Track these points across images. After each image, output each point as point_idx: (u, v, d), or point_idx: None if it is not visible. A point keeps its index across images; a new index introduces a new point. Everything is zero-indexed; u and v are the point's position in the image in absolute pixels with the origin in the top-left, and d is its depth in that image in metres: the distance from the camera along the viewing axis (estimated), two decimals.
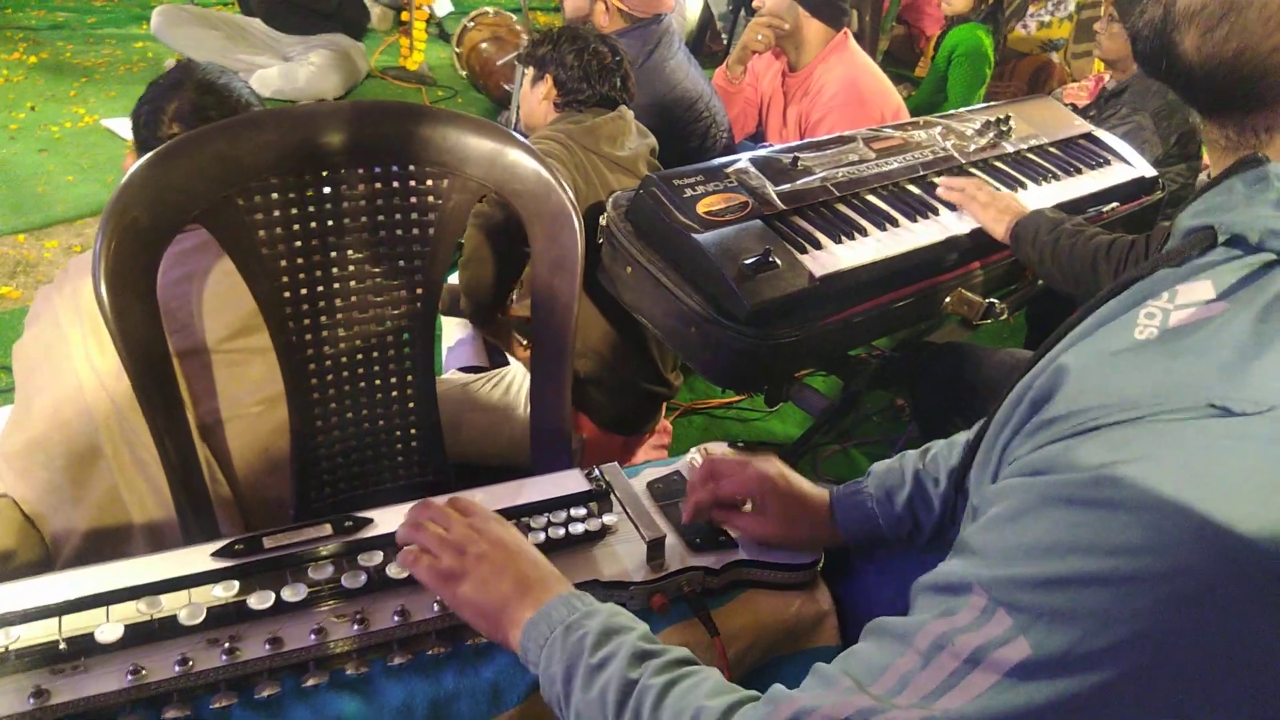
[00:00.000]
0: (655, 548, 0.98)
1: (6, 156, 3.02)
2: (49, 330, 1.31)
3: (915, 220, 1.63)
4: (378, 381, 1.21)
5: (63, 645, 0.82)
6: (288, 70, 3.55)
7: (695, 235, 1.44)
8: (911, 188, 1.71)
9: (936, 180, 1.72)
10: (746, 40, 2.65)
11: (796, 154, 1.67)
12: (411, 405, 1.23)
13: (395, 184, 1.12)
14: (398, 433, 1.24)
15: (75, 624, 0.83)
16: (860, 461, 2.12)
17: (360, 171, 1.10)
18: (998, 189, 1.72)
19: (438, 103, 3.89)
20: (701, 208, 1.49)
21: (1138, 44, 0.67)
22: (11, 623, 0.82)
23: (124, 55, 3.89)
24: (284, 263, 1.09)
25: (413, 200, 1.13)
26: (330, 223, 1.10)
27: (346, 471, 1.21)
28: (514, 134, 1.14)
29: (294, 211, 1.08)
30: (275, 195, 1.06)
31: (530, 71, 1.94)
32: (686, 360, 1.50)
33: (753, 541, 1.01)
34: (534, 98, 1.94)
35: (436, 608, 0.87)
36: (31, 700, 0.78)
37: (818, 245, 1.51)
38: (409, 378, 1.22)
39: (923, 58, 4.78)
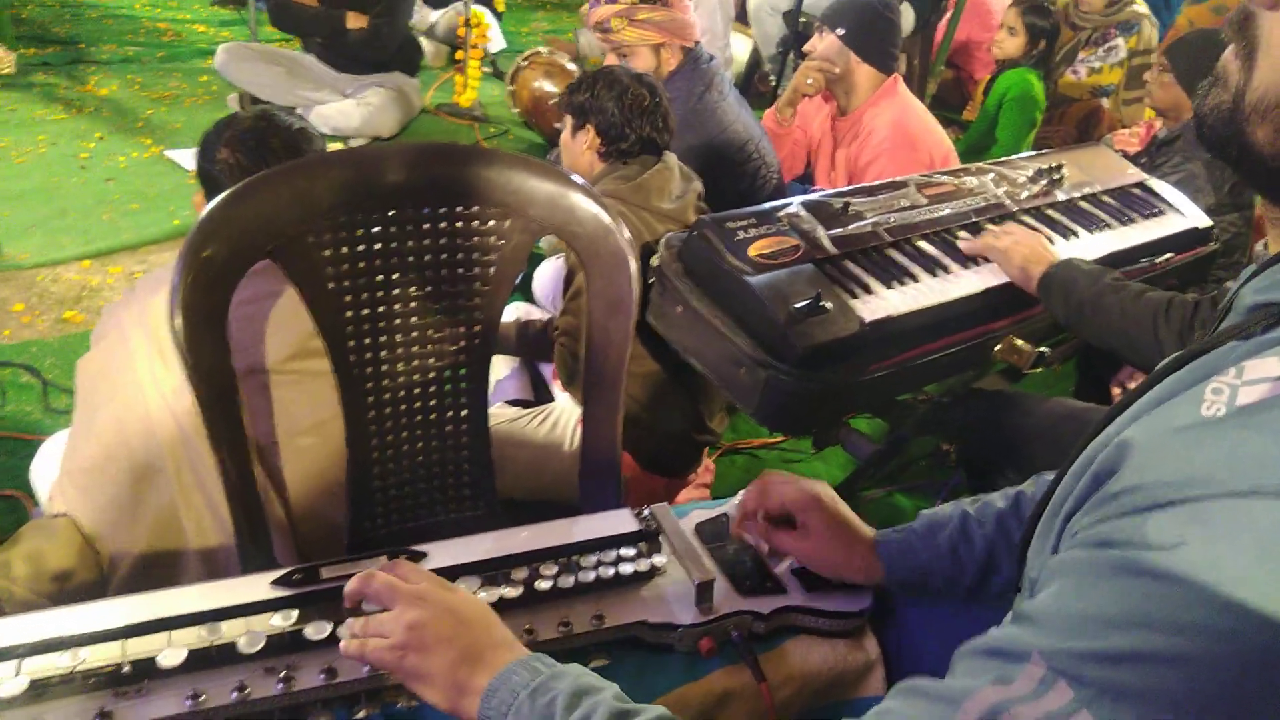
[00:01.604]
0: (704, 590, 0.98)
1: (76, 185, 3.13)
2: (115, 347, 1.35)
3: (967, 267, 1.63)
4: (433, 415, 1.23)
5: (126, 668, 0.84)
6: (345, 107, 3.64)
7: (747, 277, 1.45)
8: (963, 234, 1.71)
9: (984, 226, 1.72)
10: (797, 83, 2.68)
11: (848, 199, 1.68)
12: (465, 440, 1.25)
13: (459, 223, 1.14)
14: (450, 466, 1.26)
15: (138, 648, 0.86)
16: (905, 506, 2.10)
17: (426, 210, 1.13)
18: (1049, 238, 1.71)
19: (489, 139, 3.96)
20: (753, 250, 1.51)
21: (1204, 128, 0.66)
22: (79, 644, 0.85)
23: (189, 89, 4.01)
24: (349, 297, 1.12)
25: (474, 240, 1.16)
26: (394, 259, 1.13)
27: (399, 502, 1.23)
28: (574, 177, 1.17)
29: (361, 248, 1.11)
30: (344, 232, 1.09)
31: (570, 120, 1.95)
32: (735, 400, 1.51)
33: (793, 559, 1.02)
34: (577, 148, 1.95)
35: None
36: None
37: (869, 290, 1.52)
38: (464, 413, 1.24)
39: (971, 101, 4.78)
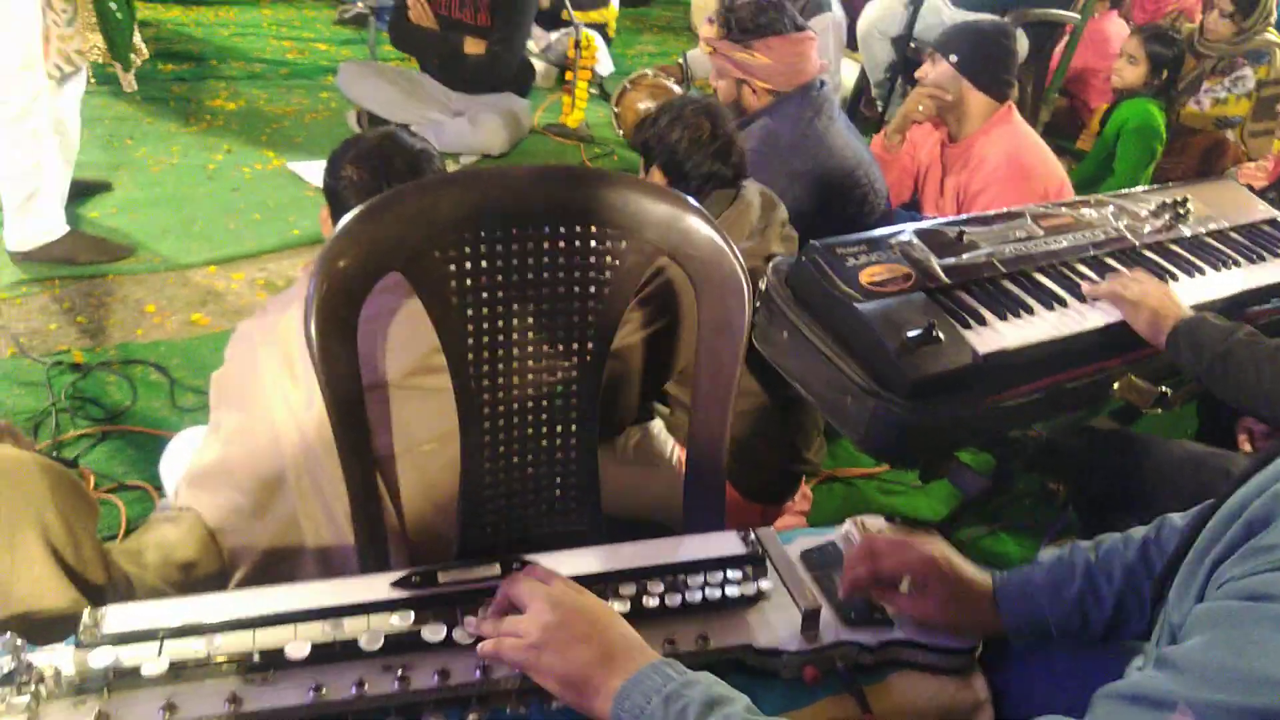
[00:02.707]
0: (810, 618, 0.98)
1: (204, 194, 3.30)
2: (246, 361, 1.42)
3: (1085, 301, 1.59)
4: (544, 429, 1.25)
5: (256, 657, 0.88)
6: (458, 125, 3.75)
7: (857, 304, 1.45)
8: (1082, 268, 1.67)
9: (1112, 266, 1.67)
10: (907, 110, 2.65)
11: (962, 228, 1.66)
12: (574, 455, 1.27)
13: (577, 243, 1.17)
14: (558, 480, 1.29)
15: (267, 638, 0.90)
16: (1008, 545, 2.04)
17: (547, 230, 1.16)
18: (1174, 274, 1.66)
19: (594, 160, 4.03)
20: (864, 277, 1.50)
21: None
22: (214, 631, 0.89)
23: (310, 105, 4.19)
24: (470, 311, 1.16)
25: (592, 260, 1.18)
26: (515, 277, 1.17)
27: (508, 514, 1.26)
28: (691, 200, 1.18)
29: (484, 265, 1.14)
30: (468, 249, 1.13)
31: (641, 158, 1.92)
32: (840, 428, 1.50)
33: (910, 622, 1.00)
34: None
35: None
36: (227, 705, 0.85)
37: (982, 322, 1.50)
38: (574, 429, 1.26)
39: (1085, 130, 4.65)
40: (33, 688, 0.82)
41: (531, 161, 3.92)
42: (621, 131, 4.04)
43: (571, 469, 1.29)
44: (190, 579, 1.43)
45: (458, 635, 0.91)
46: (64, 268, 2.72)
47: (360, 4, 4.58)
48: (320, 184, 3.12)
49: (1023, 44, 4.06)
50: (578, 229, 1.17)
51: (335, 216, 1.47)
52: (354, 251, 1.08)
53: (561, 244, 1.17)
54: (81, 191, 3.00)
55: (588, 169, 1.17)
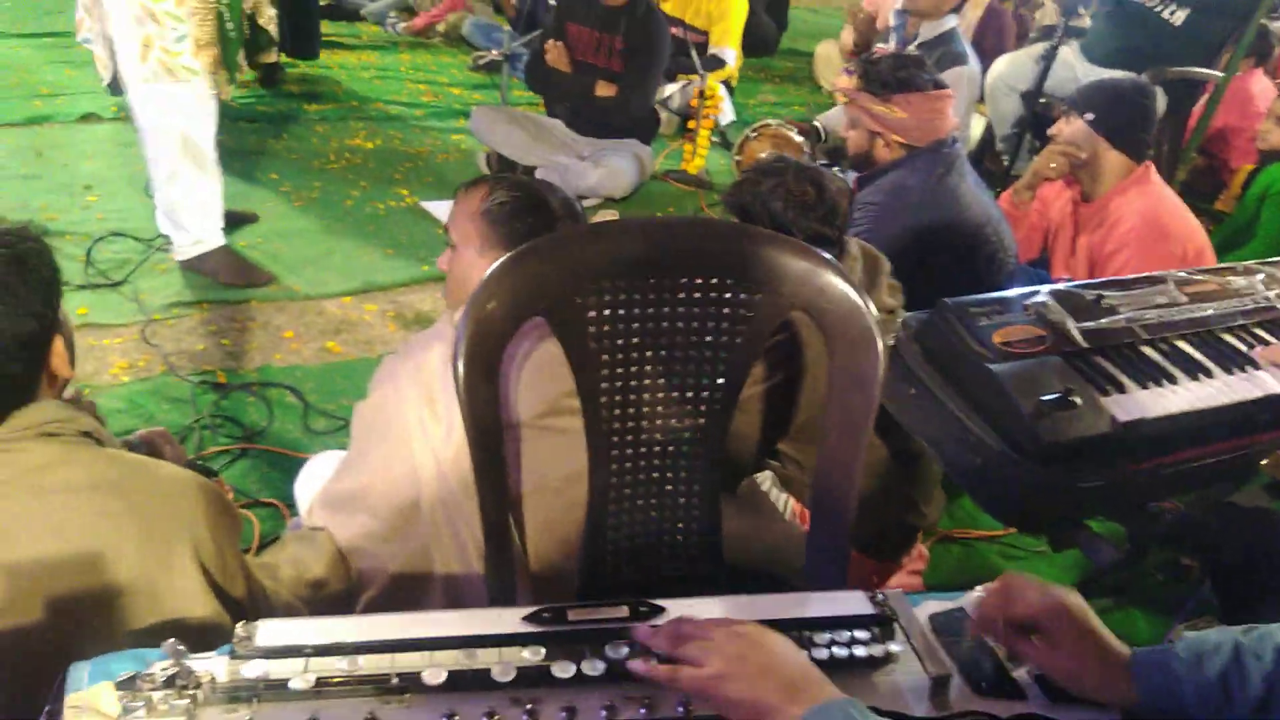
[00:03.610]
0: (940, 685, 0.96)
1: (341, 228, 3.47)
2: (389, 395, 1.49)
3: (1231, 373, 1.53)
4: (669, 475, 1.27)
5: (394, 680, 0.92)
6: (583, 169, 3.86)
7: (990, 365, 1.42)
8: (1228, 337, 1.61)
9: (1261, 336, 1.60)
10: (1038, 167, 2.61)
11: (1100, 291, 1.62)
12: (697, 503, 1.29)
13: (714, 294, 1.19)
14: (680, 525, 1.30)
15: (406, 662, 0.93)
16: (1138, 621, 1.95)
17: (683, 280, 1.18)
18: None
19: (712, 207, 4.07)
20: (998, 337, 1.47)
21: None
22: (356, 652, 0.93)
23: (442, 145, 4.38)
24: (606, 357, 1.19)
25: (726, 311, 1.21)
26: (651, 325, 1.20)
27: (631, 556, 1.28)
28: (827, 256, 1.19)
29: (623, 312, 1.18)
30: (608, 296, 1.17)
31: (735, 219, 1.88)
32: (966, 489, 1.47)
33: (1038, 672, 0.98)
34: None
35: None
36: None
37: (1121, 388, 1.45)
38: (698, 477, 1.28)
39: (1225, 192, 4.46)
40: (191, 692, 0.87)
41: (651, 207, 3.99)
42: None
43: (694, 515, 1.30)
44: (319, 596, 1.49)
45: (587, 669, 0.93)
46: (213, 290, 2.91)
47: (494, 52, 4.77)
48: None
49: (1160, 102, 3.95)
50: (714, 281, 1.19)
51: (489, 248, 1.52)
52: (502, 296, 1.12)
53: (698, 295, 1.20)
54: (231, 222, 3.20)
55: (729, 224, 1.19)
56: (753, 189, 1.80)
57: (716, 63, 4.85)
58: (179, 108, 2.79)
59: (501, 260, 1.14)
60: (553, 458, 1.38)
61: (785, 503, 1.88)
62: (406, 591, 1.44)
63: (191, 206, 2.92)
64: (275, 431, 2.37)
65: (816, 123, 4.50)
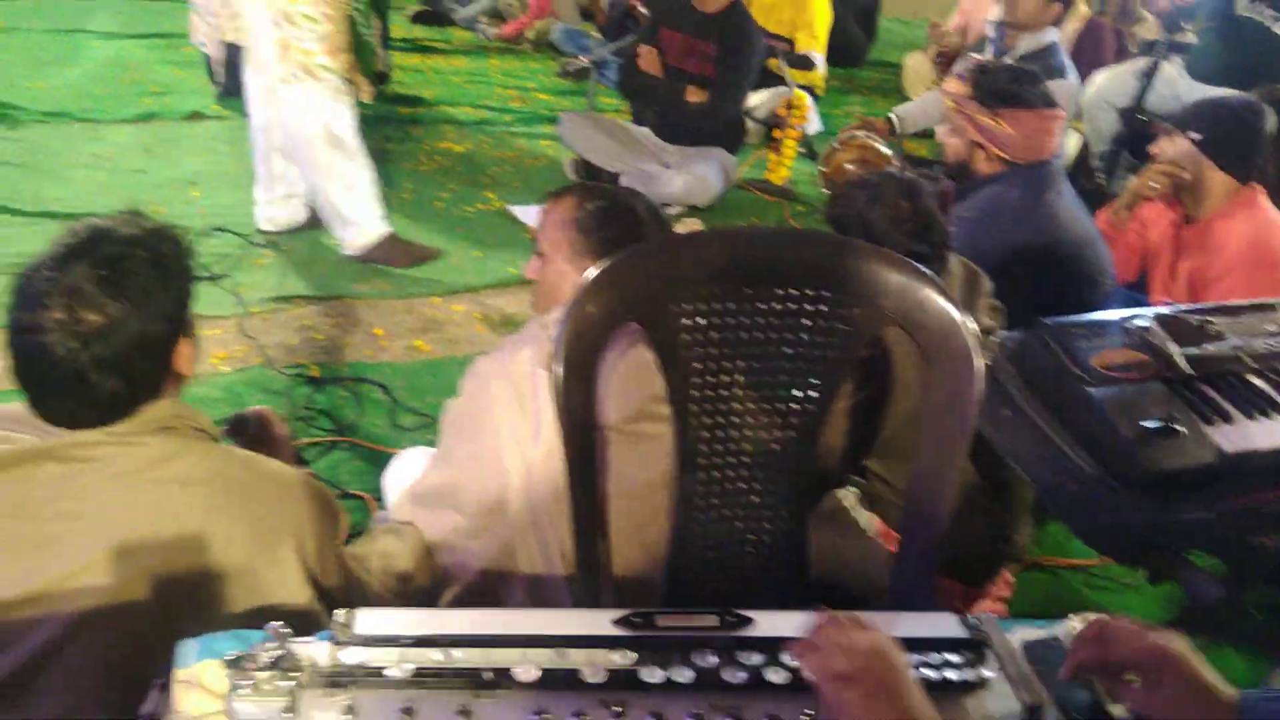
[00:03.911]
0: (1033, 714, 0.94)
1: (431, 230, 3.53)
2: (480, 394, 1.52)
3: None
4: (756, 485, 1.27)
5: (488, 674, 0.93)
6: (667, 176, 3.87)
7: (1089, 389, 1.39)
8: None
9: None
10: (1138, 186, 2.53)
11: (1207, 316, 1.57)
12: (783, 515, 1.29)
13: (808, 306, 1.19)
14: (765, 536, 1.30)
15: (498, 657, 0.95)
16: (1235, 662, 1.87)
17: (779, 291, 1.18)
18: None
19: (796, 218, 4.05)
20: (1097, 361, 1.44)
21: None
22: (452, 645, 0.95)
23: (529, 150, 4.44)
24: (699, 364, 1.20)
25: (820, 324, 1.20)
26: (745, 335, 1.20)
27: (716, 563, 1.29)
28: (926, 271, 1.18)
29: (717, 320, 1.18)
30: (703, 305, 1.18)
31: (832, 230, 1.84)
32: (1059, 517, 1.44)
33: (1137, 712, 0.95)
34: None
35: None
36: (458, 716, 0.90)
37: (1227, 418, 1.40)
38: (785, 489, 1.27)
39: None
40: (294, 675, 0.90)
41: (734, 216, 3.98)
42: (827, 191, 4.04)
43: (780, 528, 1.30)
44: (405, 590, 1.53)
45: (676, 676, 0.93)
46: (308, 287, 3.00)
47: (583, 58, 4.81)
48: (534, 226, 3.28)
49: (1270, 120, 3.80)
50: (810, 292, 1.19)
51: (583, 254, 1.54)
52: (601, 300, 1.14)
53: (793, 306, 1.20)
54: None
55: (829, 236, 1.19)
56: (850, 202, 1.79)
57: (804, 63, 4.83)
58: (320, 105, 2.90)
59: (602, 265, 1.15)
60: (639, 463, 1.39)
61: (867, 520, 1.86)
62: (489, 589, 1.46)
63: (351, 199, 3.06)
64: (364, 426, 2.43)
65: (892, 115, 4.44)
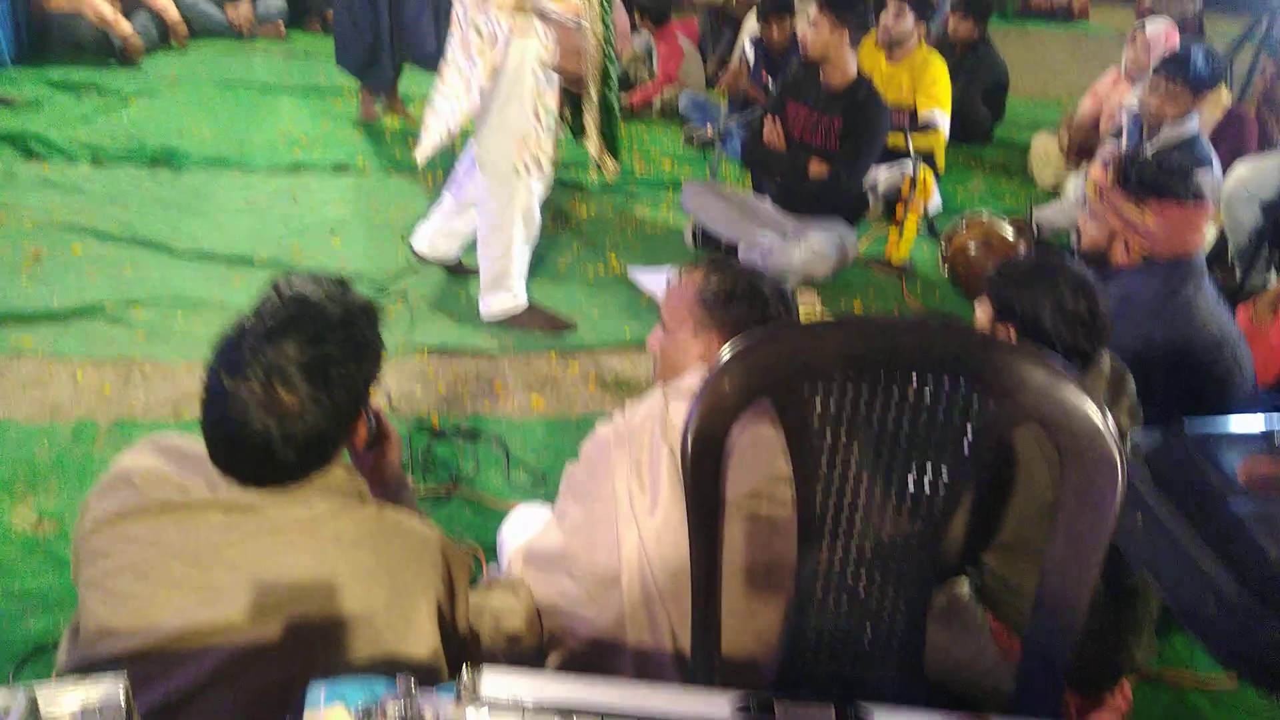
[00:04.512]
0: None
1: (553, 290, 3.62)
2: (599, 461, 1.54)
3: None
4: (878, 574, 1.25)
5: None
6: (786, 248, 3.89)
7: (1233, 502, 1.33)
8: None
9: None
10: None
11: None
12: (902, 608, 1.26)
13: (944, 398, 1.18)
14: (884, 629, 1.27)
15: None
16: None
17: (914, 381, 1.18)
18: None
19: (915, 296, 4.01)
20: (1242, 472, 1.38)
21: None
22: (571, 712, 0.97)
23: (651, 217, 4.52)
24: (828, 448, 1.20)
25: (956, 416, 1.19)
26: (876, 422, 1.19)
27: (831, 650, 1.27)
28: (1072, 373, 1.16)
29: (848, 405, 1.18)
30: (837, 388, 1.18)
31: (989, 305, 1.84)
32: (1198, 637, 1.37)
33: None
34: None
35: None
36: None
37: None
38: (906, 581, 1.25)
39: None
40: None
41: (851, 291, 3.97)
42: (947, 271, 3.99)
43: (899, 619, 1.27)
44: (512, 649, 1.55)
45: None
46: (433, 339, 3.12)
47: (708, 127, 4.92)
48: (652, 291, 3.34)
49: None
50: (946, 384, 1.18)
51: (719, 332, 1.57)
52: (736, 379, 1.16)
53: (928, 396, 1.19)
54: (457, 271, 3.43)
55: (969, 329, 1.18)
56: (1023, 288, 1.75)
57: (925, 126, 4.82)
58: (533, 193, 3.10)
59: (741, 344, 1.17)
60: (755, 541, 1.40)
61: (982, 618, 1.80)
62: (596, 657, 1.48)
63: (517, 272, 3.22)
64: (479, 478, 2.50)
65: (1033, 220, 4.37)
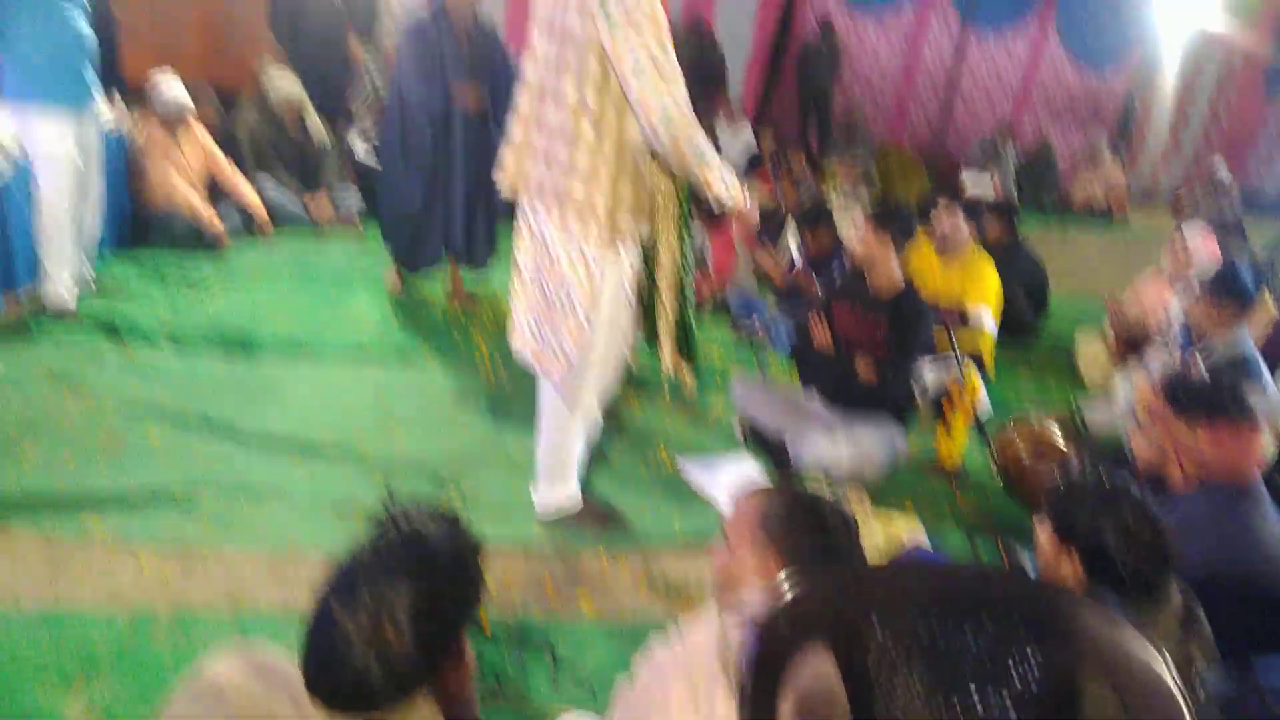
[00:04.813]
0: None
1: (603, 483, 3.68)
2: (654, 689, 1.54)
3: None
4: None
5: None
6: (834, 446, 3.92)
7: None
8: None
9: None
10: None
11: None
12: None
13: (1007, 646, 1.18)
14: None
15: None
16: None
17: (977, 629, 1.18)
18: None
19: (966, 501, 3.98)
20: None
21: None
22: None
23: (700, 409, 4.60)
24: (884, 692, 1.19)
25: (1020, 667, 1.18)
26: (935, 668, 1.19)
27: None
28: (1138, 633, 1.16)
29: (907, 650, 1.19)
30: (895, 632, 1.19)
31: (1049, 525, 1.83)
32: None
33: None
34: (1055, 562, 1.80)
35: None
36: None
37: None
38: None
39: None
40: None
41: (900, 492, 3.95)
42: (998, 474, 3.98)
43: None
44: None
45: None
46: (488, 532, 3.14)
47: (755, 322, 5.07)
48: (705, 489, 3.37)
49: None
50: (1010, 633, 1.18)
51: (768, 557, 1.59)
52: (793, 619, 1.18)
53: (991, 644, 1.19)
54: None
55: (1032, 580, 1.20)
56: (1085, 511, 1.75)
57: (976, 325, 4.93)
58: (596, 393, 3.23)
59: (797, 583, 1.19)
60: None
61: None
62: None
63: (573, 468, 3.30)
64: (525, 682, 2.47)
65: (1082, 419, 4.37)
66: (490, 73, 5.11)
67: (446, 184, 5.23)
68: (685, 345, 3.25)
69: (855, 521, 1.68)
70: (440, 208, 5.28)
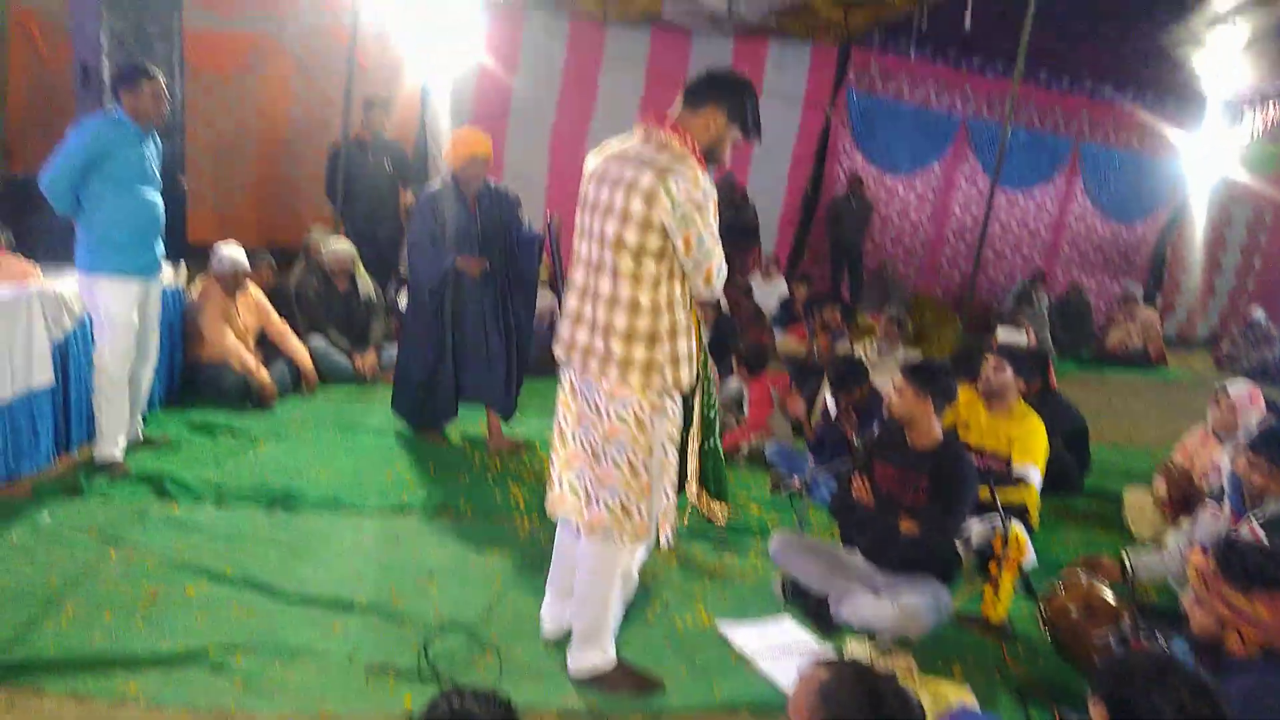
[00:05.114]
0: None
1: (640, 642, 3.59)
2: None
3: None
4: None
5: None
6: (878, 605, 3.82)
7: None
8: None
9: None
10: None
11: None
12: None
13: None
14: None
15: None
16: None
17: None
18: None
19: (1015, 659, 3.84)
20: None
21: None
22: None
23: (739, 565, 4.52)
24: None
25: None
26: None
27: None
28: None
29: None
30: None
31: (1100, 703, 1.77)
32: None
33: None
34: None
35: None
36: None
37: None
38: None
39: None
40: None
41: (947, 651, 3.83)
42: (1047, 632, 3.85)
43: None
44: None
45: None
46: (523, 695, 3.07)
47: (795, 479, 5.04)
48: (745, 648, 3.30)
49: None
50: None
51: None
52: None
53: None
54: None
55: None
56: (1140, 688, 1.70)
57: (1021, 480, 4.87)
58: (634, 556, 3.25)
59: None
60: None
61: None
62: None
63: (609, 630, 3.26)
64: None
65: (1126, 559, 4.25)
66: (503, 234, 5.52)
67: (457, 346, 5.57)
68: (715, 476, 3.32)
69: (919, 704, 1.66)
70: (445, 369, 5.59)
